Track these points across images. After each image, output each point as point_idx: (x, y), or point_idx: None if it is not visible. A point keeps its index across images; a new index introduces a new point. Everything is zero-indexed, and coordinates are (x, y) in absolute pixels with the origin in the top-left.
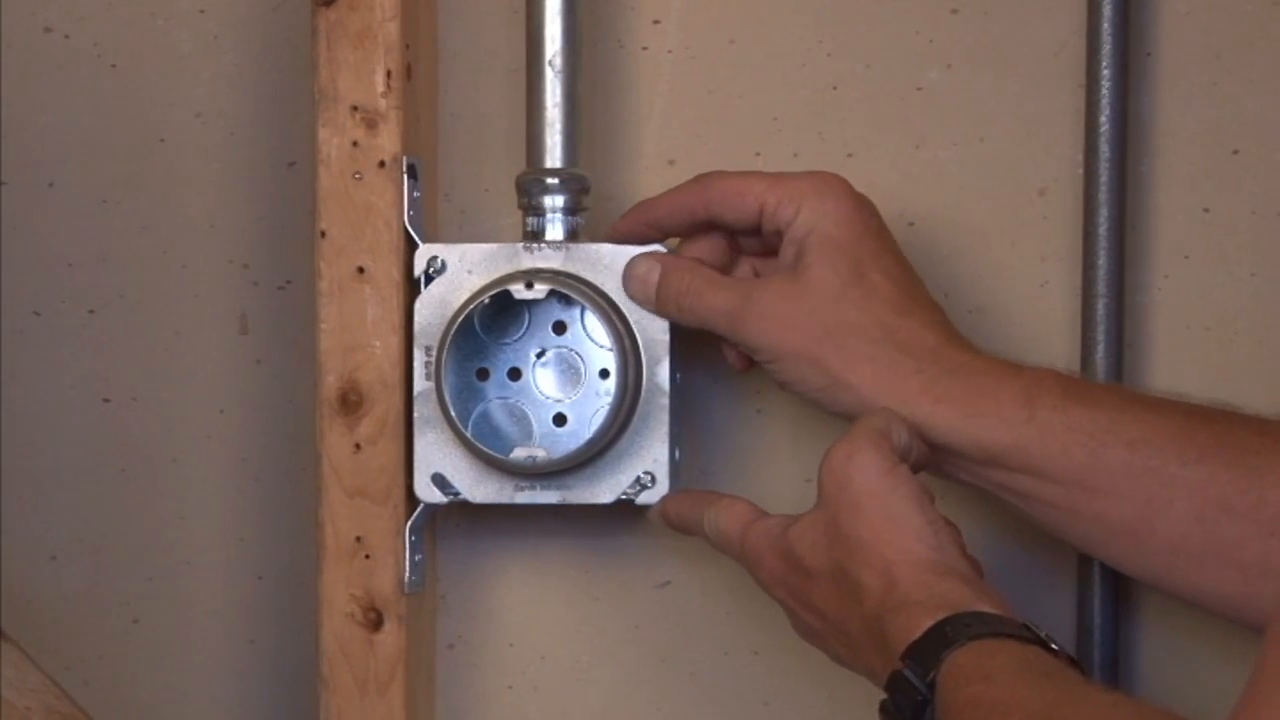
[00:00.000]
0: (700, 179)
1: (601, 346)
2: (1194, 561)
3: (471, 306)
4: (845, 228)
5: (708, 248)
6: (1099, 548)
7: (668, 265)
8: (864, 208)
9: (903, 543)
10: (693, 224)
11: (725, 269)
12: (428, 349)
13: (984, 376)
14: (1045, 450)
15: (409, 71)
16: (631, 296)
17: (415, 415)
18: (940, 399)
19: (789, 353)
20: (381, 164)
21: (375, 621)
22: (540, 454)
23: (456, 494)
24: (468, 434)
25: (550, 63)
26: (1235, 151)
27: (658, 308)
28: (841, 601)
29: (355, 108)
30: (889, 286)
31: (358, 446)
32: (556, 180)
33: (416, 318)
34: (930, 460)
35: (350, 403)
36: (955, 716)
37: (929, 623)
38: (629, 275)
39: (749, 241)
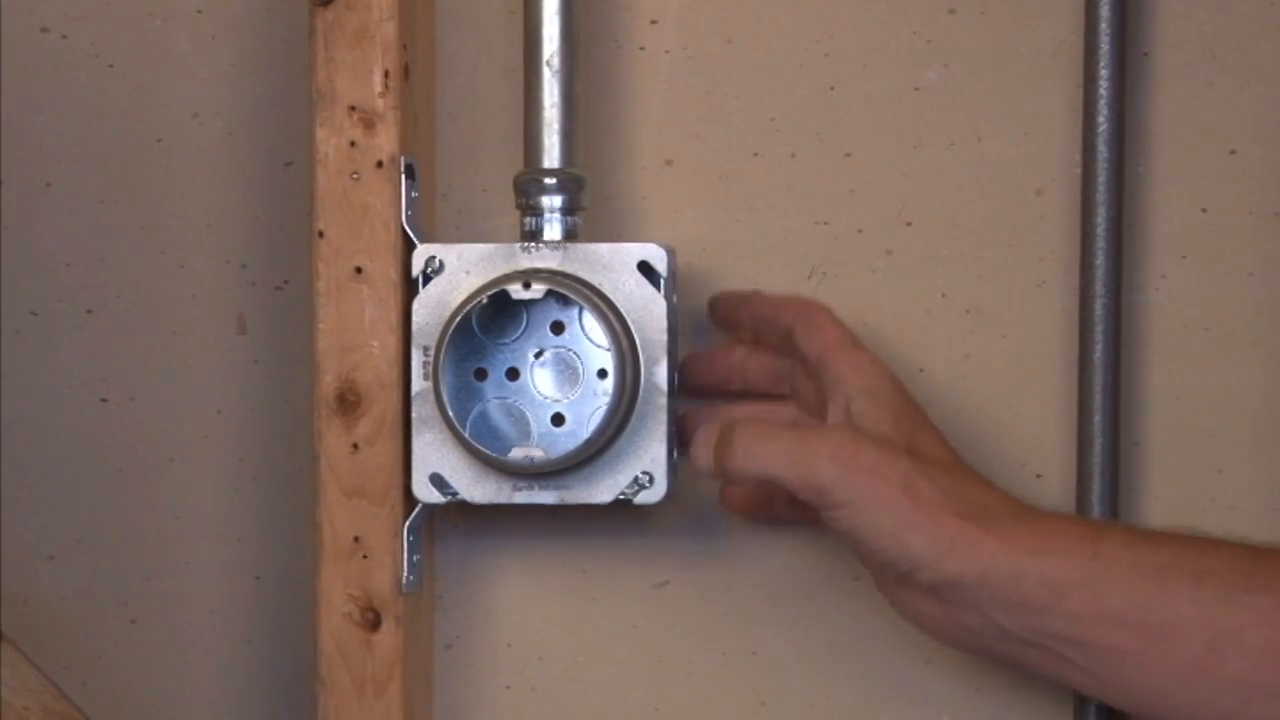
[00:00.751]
0: (797, 298)
1: (599, 346)
2: (1267, 693)
3: (469, 306)
4: (895, 396)
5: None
6: (1167, 697)
7: (730, 421)
8: (906, 393)
9: None
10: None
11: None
12: (425, 349)
13: (1050, 520)
14: (1111, 585)
15: (406, 71)
16: (693, 461)
17: (413, 415)
18: (1007, 539)
19: (865, 496)
20: (379, 164)
21: (373, 621)
22: (538, 454)
23: (454, 494)
24: (466, 434)
25: (548, 63)
26: (1233, 152)
27: (716, 466)
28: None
29: (353, 108)
30: (946, 456)
31: (355, 446)
32: (554, 180)
33: (414, 318)
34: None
35: (348, 403)
36: None
37: None
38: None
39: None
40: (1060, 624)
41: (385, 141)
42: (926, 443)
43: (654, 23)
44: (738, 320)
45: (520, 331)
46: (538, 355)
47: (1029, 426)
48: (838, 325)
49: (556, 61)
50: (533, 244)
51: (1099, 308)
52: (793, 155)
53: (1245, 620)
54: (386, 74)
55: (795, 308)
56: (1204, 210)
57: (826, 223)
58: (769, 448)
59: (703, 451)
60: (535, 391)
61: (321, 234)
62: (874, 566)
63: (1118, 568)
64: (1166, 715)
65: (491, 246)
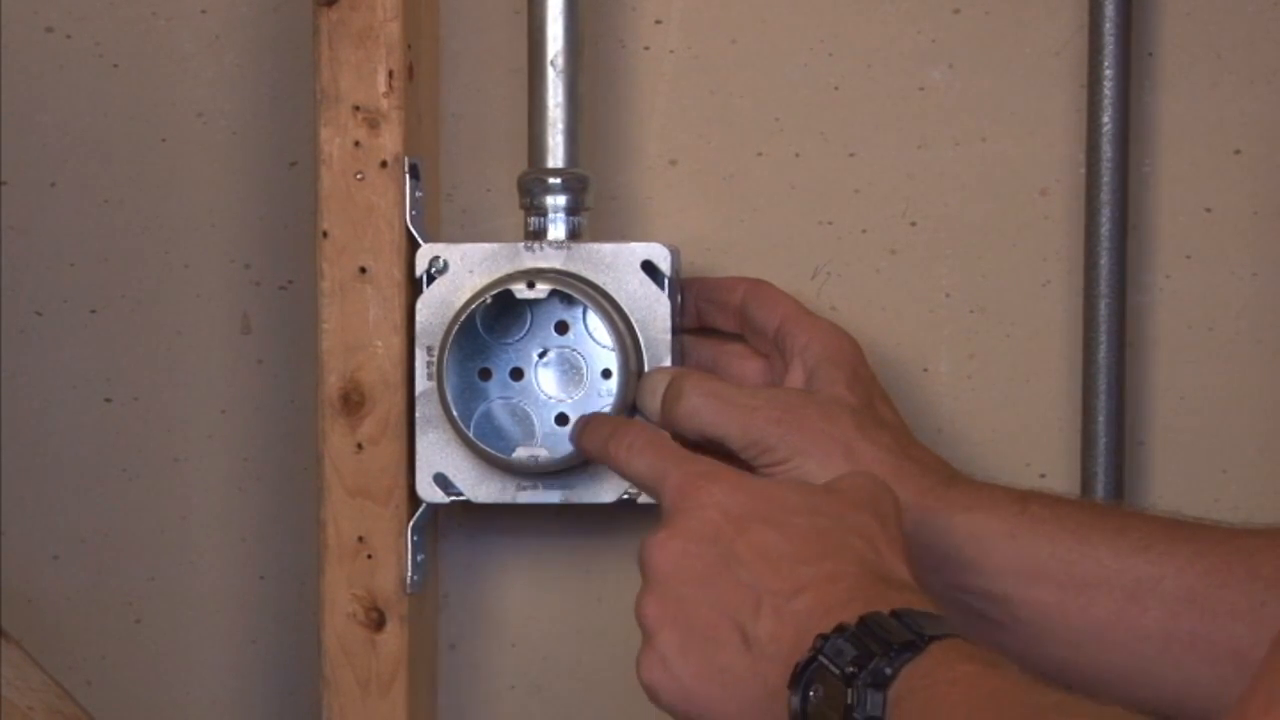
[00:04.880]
0: (741, 277)
1: (603, 346)
2: (1184, 643)
3: (473, 306)
4: (856, 363)
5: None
6: (1088, 649)
7: (681, 371)
8: (865, 360)
9: (912, 566)
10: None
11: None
12: (429, 349)
13: (982, 485)
14: (1035, 539)
15: (411, 71)
16: (641, 406)
17: (417, 415)
18: (940, 498)
19: (804, 453)
20: (383, 164)
21: (377, 621)
22: (542, 453)
23: (458, 494)
24: (470, 434)
25: (552, 63)
26: (1237, 151)
27: (663, 417)
28: (818, 552)
29: (357, 108)
30: (896, 421)
31: (360, 446)
32: (558, 180)
33: (418, 318)
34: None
35: (352, 403)
36: (937, 689)
37: (929, 607)
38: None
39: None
40: (985, 580)
41: (389, 141)
42: (880, 407)
43: (658, 22)
44: (682, 308)
45: (524, 331)
46: (542, 355)
47: (1033, 426)
48: (789, 297)
49: (561, 61)
50: (537, 244)
51: (1103, 307)
52: (797, 155)
53: (1164, 569)
54: (391, 74)
55: (744, 285)
56: (1208, 210)
57: (830, 222)
58: (715, 405)
59: (649, 400)
60: (539, 391)
61: (326, 234)
62: None
63: (1041, 523)
64: (1086, 670)
65: (495, 246)
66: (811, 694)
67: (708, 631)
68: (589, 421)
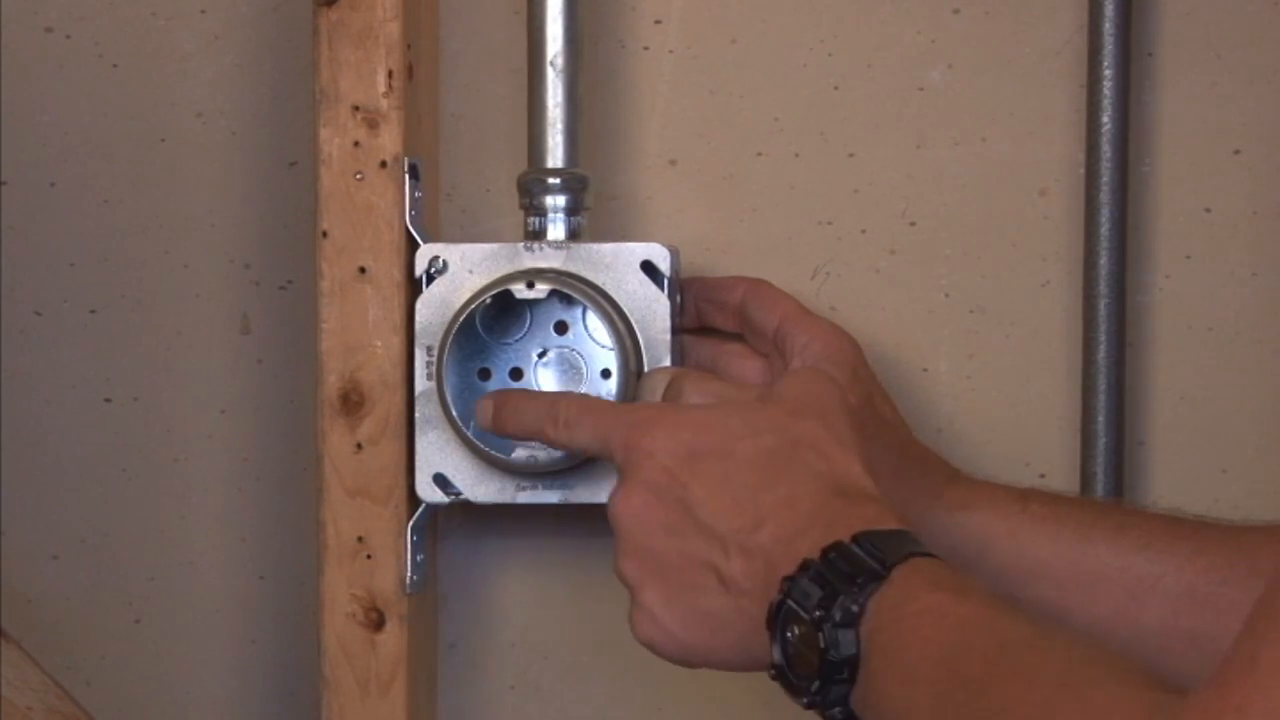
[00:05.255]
0: (740, 277)
1: (603, 346)
2: (1185, 639)
3: (473, 306)
4: (856, 362)
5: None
6: None
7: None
8: (864, 360)
9: (866, 462)
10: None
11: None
12: (429, 349)
13: (982, 483)
14: (1035, 537)
15: (410, 71)
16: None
17: (416, 415)
18: (941, 497)
19: None
20: (383, 164)
21: (377, 621)
22: (541, 454)
23: (458, 494)
24: (469, 434)
25: (552, 63)
26: (1237, 151)
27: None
28: (771, 477)
29: (357, 108)
30: (896, 420)
31: (359, 446)
32: (558, 180)
33: (418, 318)
34: None
35: (351, 403)
36: (906, 623)
37: (895, 524)
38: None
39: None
40: (985, 579)
41: (389, 141)
42: (880, 407)
43: (658, 22)
44: (682, 308)
45: (524, 331)
46: (541, 355)
47: (1033, 426)
48: (789, 297)
49: (560, 61)
50: (536, 244)
51: (1103, 307)
52: (796, 155)
53: (1165, 567)
54: (390, 74)
55: (744, 285)
56: (1208, 210)
57: (830, 222)
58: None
59: (649, 400)
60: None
61: (325, 234)
62: None
63: (1041, 521)
64: None
65: (495, 246)
66: (789, 635)
67: (684, 579)
68: (503, 404)
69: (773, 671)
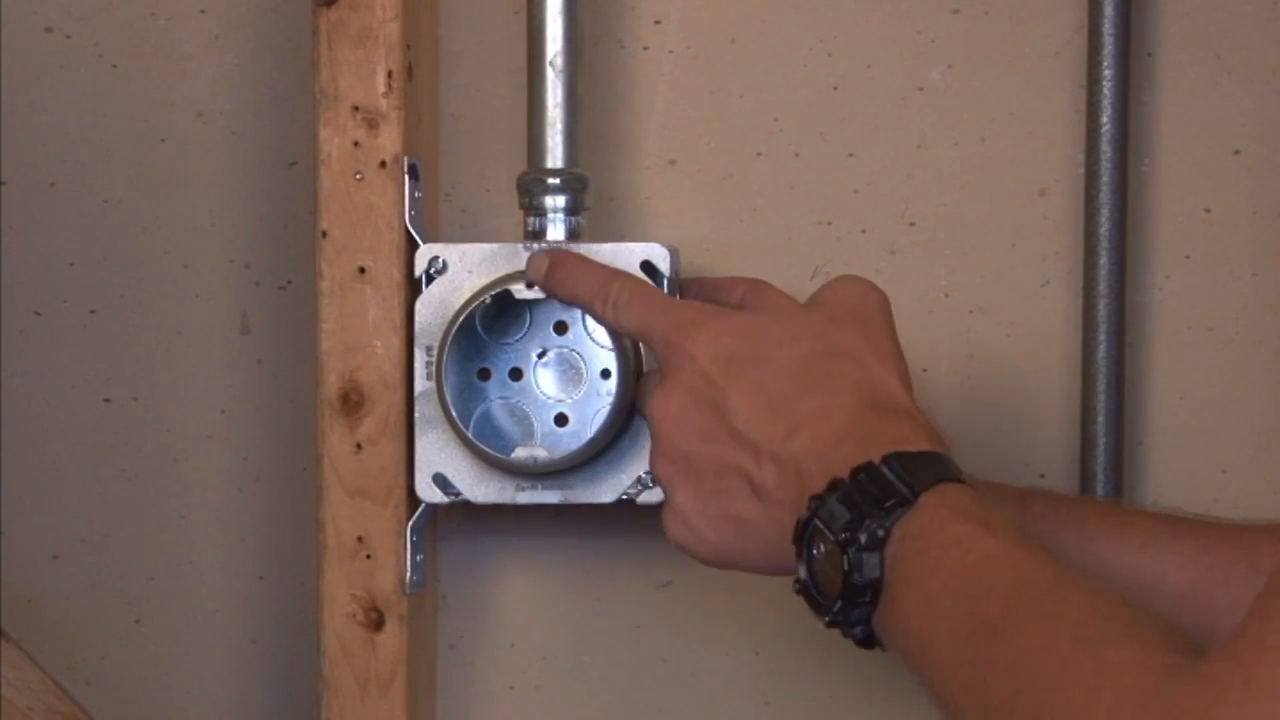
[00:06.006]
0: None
1: (603, 346)
2: None
3: (473, 306)
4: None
5: None
6: None
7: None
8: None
9: (903, 373)
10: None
11: None
12: (429, 349)
13: (984, 485)
14: (1037, 535)
15: (410, 71)
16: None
17: (416, 415)
18: None
19: None
20: (383, 164)
21: (376, 622)
22: (541, 454)
23: (458, 494)
24: (469, 434)
25: (551, 63)
26: (1236, 152)
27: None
28: (807, 385)
29: (356, 108)
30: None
31: (359, 446)
32: (557, 180)
33: (417, 318)
34: None
35: (351, 403)
36: (931, 554)
37: (927, 443)
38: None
39: None
40: None
41: (389, 141)
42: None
43: (658, 23)
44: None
45: (523, 331)
46: (541, 355)
47: (1032, 426)
48: (789, 297)
49: (560, 61)
50: (536, 244)
51: (1102, 307)
52: (796, 155)
53: (1166, 566)
54: (390, 74)
55: (744, 285)
56: (1207, 210)
57: (830, 223)
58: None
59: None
60: (538, 391)
61: (325, 234)
62: None
63: (1042, 520)
64: None
65: (495, 246)
66: (815, 553)
67: (717, 484)
68: (560, 265)
69: (797, 586)
